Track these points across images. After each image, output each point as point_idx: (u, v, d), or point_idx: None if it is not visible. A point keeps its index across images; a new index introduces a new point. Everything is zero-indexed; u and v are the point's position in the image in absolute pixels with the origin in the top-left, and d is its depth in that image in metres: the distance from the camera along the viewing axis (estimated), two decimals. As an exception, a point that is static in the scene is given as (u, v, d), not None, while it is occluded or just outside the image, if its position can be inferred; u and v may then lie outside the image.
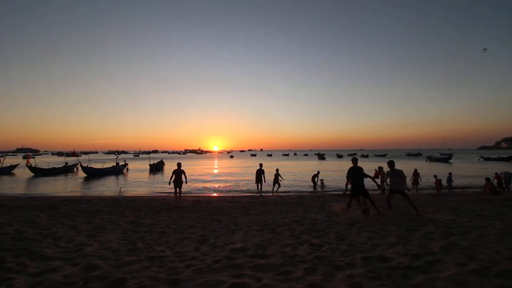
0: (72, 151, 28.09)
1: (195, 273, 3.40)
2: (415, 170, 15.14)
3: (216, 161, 60.55)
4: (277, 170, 14.55)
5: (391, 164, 7.18)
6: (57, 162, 32.45)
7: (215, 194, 14.34)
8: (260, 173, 12.61)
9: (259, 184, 12.66)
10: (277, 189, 14.21)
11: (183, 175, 10.57)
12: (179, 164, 10.61)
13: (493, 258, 3.56)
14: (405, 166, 36.20)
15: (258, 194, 12.42)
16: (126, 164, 32.74)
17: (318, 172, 16.88)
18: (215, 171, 33.28)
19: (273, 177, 14.20)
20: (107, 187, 17.75)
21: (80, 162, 28.28)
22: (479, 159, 54.82)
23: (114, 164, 32.25)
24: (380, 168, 13.83)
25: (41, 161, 35.60)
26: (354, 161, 7.27)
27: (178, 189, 10.55)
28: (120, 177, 25.73)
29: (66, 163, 32.39)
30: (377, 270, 3.30)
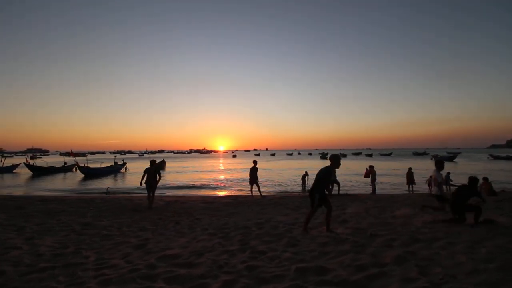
0: (70, 151, 28.14)
1: (98, 285, 2.97)
2: (409, 169, 14.44)
3: (218, 161, 60.40)
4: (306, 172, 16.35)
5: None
6: (62, 162, 32.58)
7: (200, 194, 13.95)
8: (253, 172, 10.95)
9: (253, 184, 10.94)
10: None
11: (157, 176, 8.54)
12: (153, 162, 8.68)
13: (451, 272, 3.01)
14: (412, 165, 35.15)
15: (252, 194, 11.06)
16: (124, 164, 32.75)
17: (306, 172, 16.31)
18: (215, 170, 32.97)
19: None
20: (98, 187, 17.60)
21: (77, 162, 28.38)
22: (488, 158, 53.05)
23: (113, 163, 32.33)
24: (371, 167, 13.19)
25: (42, 161, 35.98)
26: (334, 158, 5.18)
27: (151, 192, 8.40)
28: (118, 176, 25.71)
29: (65, 163, 32.59)
30: (305, 284, 2.80)
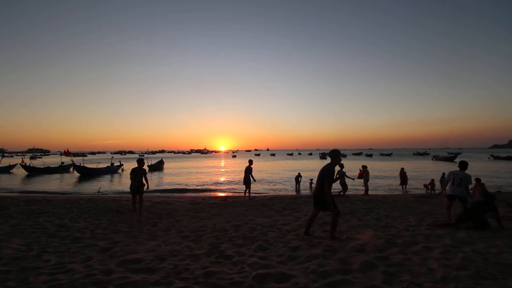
0: (65, 150, 28.09)
1: (45, 292, 2.82)
2: (402, 169, 14.24)
3: (217, 161, 60.30)
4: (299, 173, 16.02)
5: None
6: (61, 162, 32.56)
7: (190, 194, 13.81)
8: (248, 171, 10.46)
9: (247, 184, 10.50)
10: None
11: (143, 178, 7.26)
12: (140, 161, 7.34)
13: (417, 281, 2.84)
14: (411, 165, 34.91)
15: (244, 195, 10.68)
16: (121, 165, 32.69)
17: (299, 173, 16.12)
18: (211, 171, 32.84)
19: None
20: (91, 188, 17.52)
21: (73, 162, 28.33)
22: (489, 158, 52.58)
23: (109, 164, 32.28)
24: (364, 167, 12.99)
25: (39, 161, 35.98)
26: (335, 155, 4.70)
27: (137, 196, 7.25)
28: (115, 177, 25.65)
29: (62, 163, 32.55)
30: (259, 293, 2.63)
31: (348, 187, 11.47)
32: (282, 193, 14.44)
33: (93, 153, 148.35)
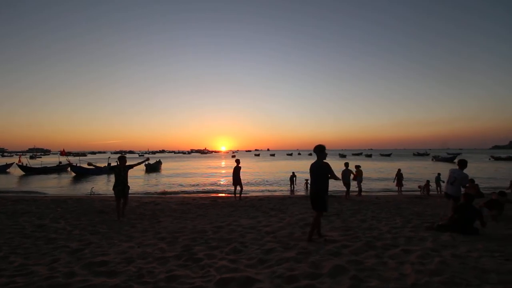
0: (62, 150, 28.03)
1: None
2: (398, 170, 14.09)
3: (216, 161, 60.18)
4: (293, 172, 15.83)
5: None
6: (60, 162, 32.50)
7: (181, 195, 13.69)
8: (236, 172, 10.26)
9: (237, 185, 10.33)
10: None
11: (127, 177, 6.53)
12: (121, 159, 6.62)
13: (385, 287, 2.70)
14: (410, 166, 34.68)
15: (235, 196, 10.44)
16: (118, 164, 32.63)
17: (294, 173, 15.98)
18: (208, 171, 32.71)
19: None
20: (86, 187, 17.46)
21: (69, 162, 28.27)
22: (489, 159, 52.27)
23: (106, 164, 32.23)
24: (357, 166, 12.82)
25: (37, 161, 35.97)
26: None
27: (122, 199, 6.52)
28: (111, 177, 25.57)
29: (60, 163, 32.50)
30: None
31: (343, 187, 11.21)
32: (276, 193, 14.32)
33: (93, 153, 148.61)
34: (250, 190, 16.35)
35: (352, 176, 12.91)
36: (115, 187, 6.51)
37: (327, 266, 3.19)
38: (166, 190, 16.39)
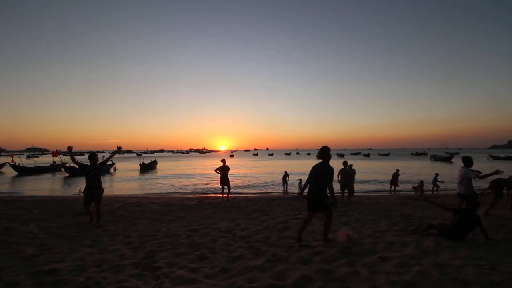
0: (54, 151, 27.72)
1: None
2: (397, 170, 13.89)
3: (213, 160, 59.85)
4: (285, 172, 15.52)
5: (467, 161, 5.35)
6: (53, 161, 32.13)
7: (167, 196, 13.40)
8: (224, 172, 9.96)
9: (224, 186, 9.99)
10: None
11: (100, 178, 5.85)
12: (92, 157, 5.83)
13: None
14: (407, 166, 34.40)
15: (222, 197, 10.14)
16: (112, 164, 32.32)
17: (286, 172, 15.69)
18: (207, 170, 32.40)
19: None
20: (75, 187, 17.19)
21: (62, 162, 27.96)
22: (487, 158, 52.07)
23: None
24: (350, 166, 12.53)
25: (31, 161, 35.61)
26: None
27: (94, 203, 5.76)
28: (106, 177, 25.31)
29: (54, 162, 32.16)
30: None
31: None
32: (268, 194, 14.04)
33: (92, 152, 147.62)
34: (241, 191, 16.09)
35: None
36: (85, 191, 5.73)
37: (293, 277, 2.90)
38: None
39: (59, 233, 5.25)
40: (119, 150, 6.43)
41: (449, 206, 4.64)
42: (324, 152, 4.33)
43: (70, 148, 6.01)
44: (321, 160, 4.33)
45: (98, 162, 5.97)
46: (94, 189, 5.73)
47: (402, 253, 3.66)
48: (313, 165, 4.38)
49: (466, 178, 5.26)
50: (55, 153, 26.76)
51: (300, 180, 15.69)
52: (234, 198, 10.61)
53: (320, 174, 4.17)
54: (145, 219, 6.61)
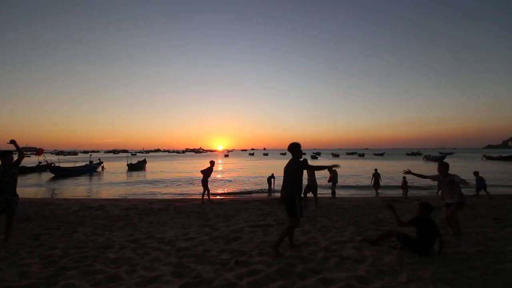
0: (38, 150, 26.90)
1: None
2: (375, 170, 13.34)
3: (208, 160, 59.22)
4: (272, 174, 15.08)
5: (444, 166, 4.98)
6: (38, 161, 31.29)
7: (139, 198, 12.81)
8: (206, 173, 9.57)
9: (205, 187, 9.55)
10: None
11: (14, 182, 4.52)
12: (4, 156, 4.46)
13: None
14: (400, 165, 33.95)
15: (202, 199, 9.56)
16: (100, 163, 31.60)
17: (273, 174, 15.15)
18: (199, 170, 31.76)
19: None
20: (51, 189, 16.52)
21: (47, 162, 27.17)
22: (482, 158, 51.95)
23: (88, 162, 31.22)
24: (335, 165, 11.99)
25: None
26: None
27: (5, 216, 4.52)
28: (94, 176, 24.74)
29: (40, 162, 31.32)
30: None
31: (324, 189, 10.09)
32: (247, 196, 13.47)
33: (86, 152, 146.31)
34: (222, 192, 15.58)
35: (328, 178, 12.06)
36: None
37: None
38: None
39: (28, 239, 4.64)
40: (13, 143, 4.75)
41: (403, 220, 4.07)
42: (291, 148, 4.01)
43: (13, 141, 4.73)
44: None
45: (13, 162, 4.58)
46: (10, 195, 4.44)
47: (352, 273, 3.07)
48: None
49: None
50: (39, 152, 25.88)
51: (272, 174, 14.83)
52: (210, 200, 10.02)
53: (288, 173, 3.87)
54: (91, 226, 5.97)
